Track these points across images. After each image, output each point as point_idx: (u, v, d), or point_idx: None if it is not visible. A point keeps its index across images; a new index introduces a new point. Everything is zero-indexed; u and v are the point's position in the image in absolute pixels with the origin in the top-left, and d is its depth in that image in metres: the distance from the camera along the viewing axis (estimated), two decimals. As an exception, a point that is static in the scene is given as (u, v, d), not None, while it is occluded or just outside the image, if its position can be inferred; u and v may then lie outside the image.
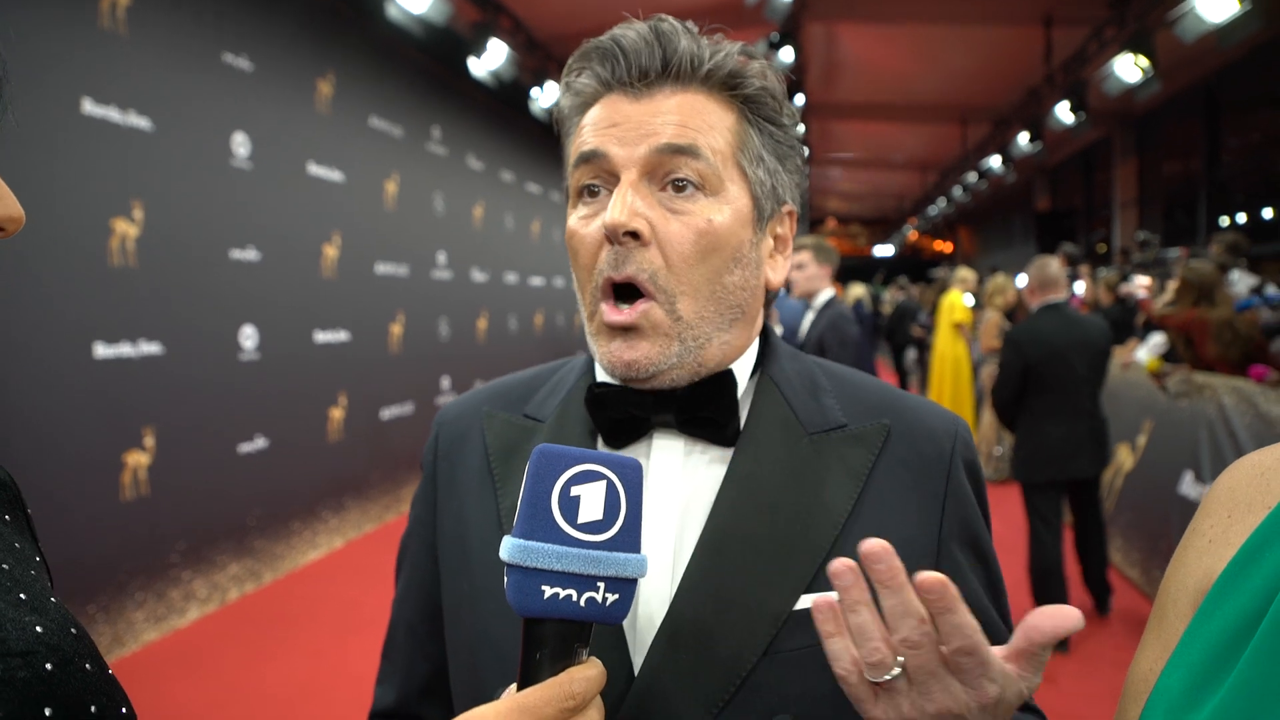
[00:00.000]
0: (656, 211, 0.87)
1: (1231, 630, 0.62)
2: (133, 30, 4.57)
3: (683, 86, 0.90)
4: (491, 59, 8.05)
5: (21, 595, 0.60)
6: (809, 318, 4.95)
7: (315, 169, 6.20)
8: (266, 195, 5.65)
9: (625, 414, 0.91)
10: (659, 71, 0.89)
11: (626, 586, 0.69)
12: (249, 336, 5.46)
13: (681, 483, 0.91)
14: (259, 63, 5.58)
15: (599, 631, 0.82)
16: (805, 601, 0.84)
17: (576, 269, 0.92)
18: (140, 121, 4.61)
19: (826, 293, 4.95)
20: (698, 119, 0.88)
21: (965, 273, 10.06)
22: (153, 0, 4.69)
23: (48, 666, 0.56)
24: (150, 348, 4.67)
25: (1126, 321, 7.62)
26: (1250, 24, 7.11)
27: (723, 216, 0.88)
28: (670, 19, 0.91)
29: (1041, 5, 10.14)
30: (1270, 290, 4.99)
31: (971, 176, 16.97)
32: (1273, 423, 4.22)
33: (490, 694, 0.84)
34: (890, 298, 18.07)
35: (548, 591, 0.67)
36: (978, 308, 9.89)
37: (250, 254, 5.47)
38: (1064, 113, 10.55)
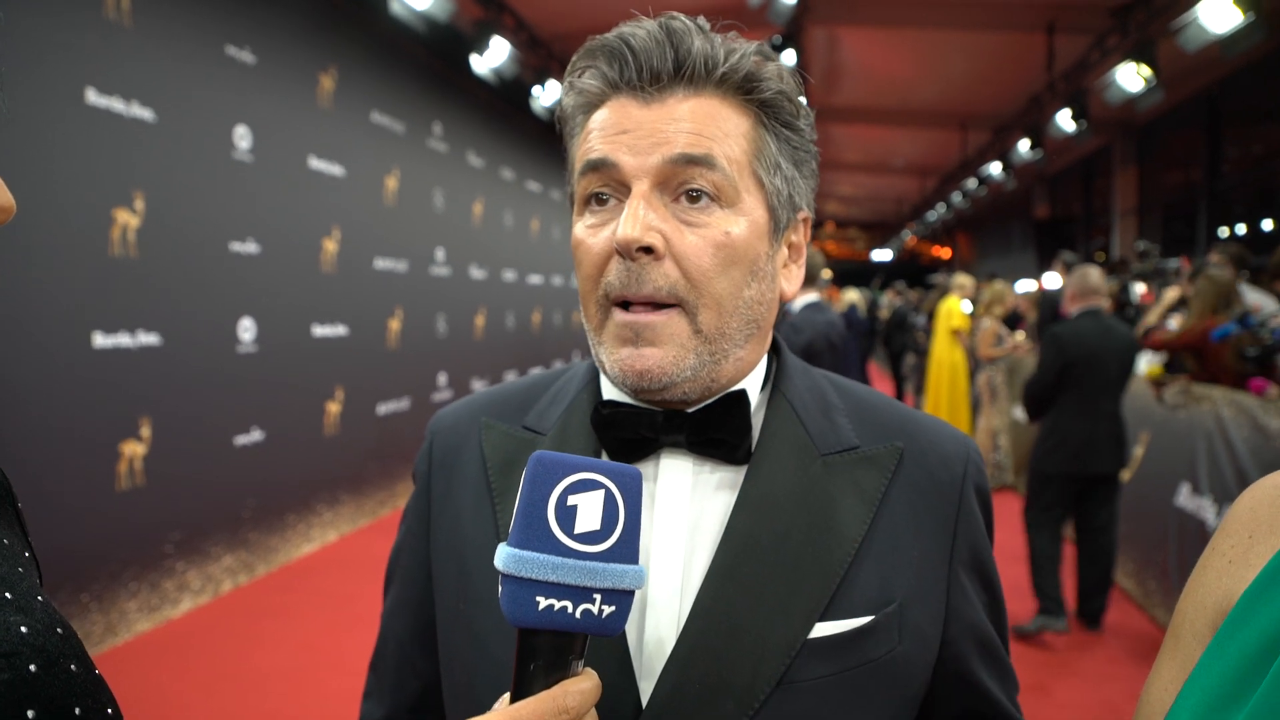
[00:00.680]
0: (670, 224, 0.83)
1: (1252, 653, 0.61)
2: (137, 21, 4.56)
3: (696, 90, 0.85)
4: (493, 56, 8.04)
5: (7, 594, 0.59)
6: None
7: (316, 163, 6.19)
8: (267, 188, 5.63)
9: (635, 434, 0.89)
10: (671, 74, 0.84)
11: (623, 598, 0.68)
12: (247, 329, 5.45)
13: (690, 504, 0.88)
14: (262, 56, 5.57)
15: (605, 658, 0.81)
16: (820, 630, 0.83)
17: (582, 278, 0.88)
18: (143, 112, 4.60)
19: (807, 297, 4.94)
20: (712, 126, 0.84)
21: (963, 279, 10.07)
22: (157, -10, 4.68)
23: (31, 668, 0.55)
24: (149, 338, 4.66)
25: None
26: (1253, 35, 7.11)
27: (739, 229, 0.84)
28: (682, 16, 0.87)
29: (1044, 13, 10.15)
30: (1250, 316, 4.96)
31: (971, 183, 16.98)
32: (1271, 436, 4.23)
33: (486, 709, 0.84)
34: (888, 303, 18.09)
35: (542, 603, 0.65)
36: (974, 315, 9.90)
37: (250, 246, 5.46)
38: (1065, 120, 10.55)
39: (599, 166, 0.85)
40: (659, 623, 0.85)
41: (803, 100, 0.92)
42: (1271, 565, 0.65)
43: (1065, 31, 10.32)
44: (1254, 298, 5.63)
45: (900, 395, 13.55)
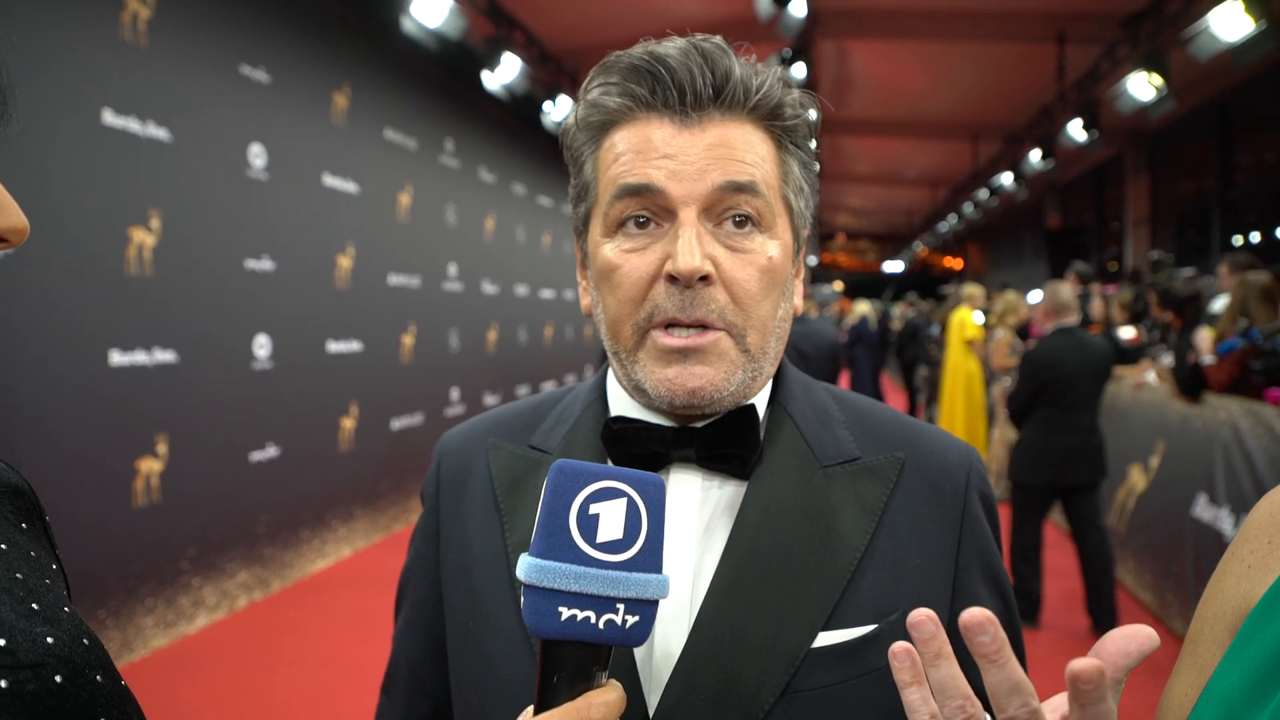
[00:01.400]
0: (719, 250, 0.84)
1: (1272, 656, 0.61)
2: (153, 42, 4.62)
3: (732, 115, 0.86)
4: (505, 73, 8.09)
5: (34, 605, 0.60)
6: None
7: (330, 180, 6.24)
8: (282, 206, 5.68)
9: (645, 449, 0.89)
10: (711, 97, 0.84)
11: (647, 608, 0.67)
12: (262, 345, 5.49)
13: (699, 517, 0.89)
14: (276, 75, 5.63)
15: (613, 670, 0.81)
16: (824, 639, 0.83)
17: (618, 301, 0.87)
18: (159, 132, 4.65)
19: None
20: (751, 152, 0.85)
21: (972, 289, 10.04)
22: (173, 13, 4.74)
23: (57, 679, 0.56)
24: (165, 355, 4.70)
25: (1126, 348, 7.59)
26: (1265, 43, 7.09)
27: (777, 253, 0.87)
28: (711, 38, 0.87)
29: (1055, 23, 10.15)
30: (1255, 329, 4.89)
31: (982, 193, 16.94)
32: (1287, 444, 4.20)
33: None
34: (900, 314, 18.03)
35: (565, 613, 0.65)
36: (987, 325, 9.86)
37: (265, 264, 5.50)
38: (1076, 130, 10.53)
39: (640, 191, 0.84)
40: (667, 634, 0.85)
41: (811, 115, 0.93)
42: None
43: (1076, 41, 10.31)
44: None
45: (913, 406, 13.49)
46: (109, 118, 4.35)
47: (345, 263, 6.39)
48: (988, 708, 0.64)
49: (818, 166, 0.96)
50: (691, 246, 0.81)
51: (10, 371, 3.89)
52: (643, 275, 0.85)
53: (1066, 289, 5.15)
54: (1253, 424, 4.55)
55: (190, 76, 4.91)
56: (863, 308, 13.35)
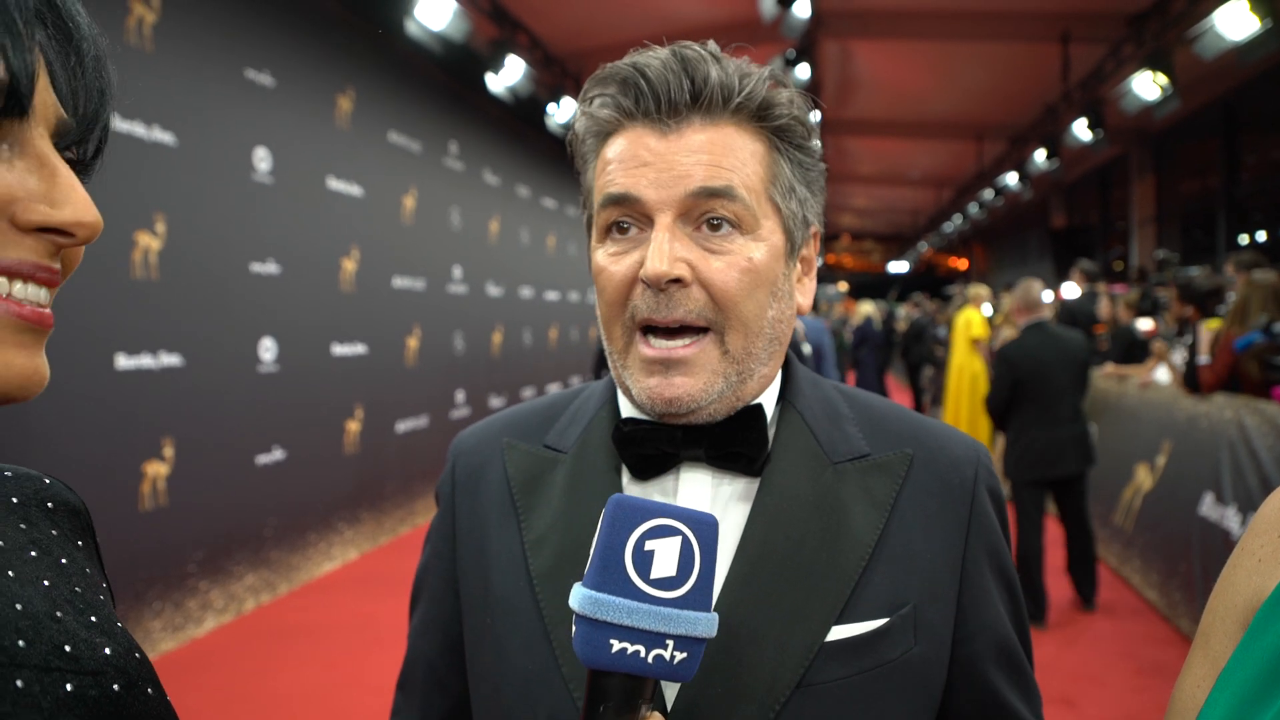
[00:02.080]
0: (695, 252, 0.86)
1: None
2: (159, 46, 4.64)
3: (712, 119, 0.87)
4: (509, 75, 8.11)
5: (92, 618, 0.62)
6: None
7: (335, 183, 6.25)
8: (286, 209, 5.70)
9: (655, 450, 0.91)
10: (688, 104, 0.86)
11: (695, 645, 0.69)
12: (268, 349, 5.50)
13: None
14: (281, 79, 5.64)
15: None
16: (836, 633, 0.84)
17: (605, 304, 0.90)
18: (164, 136, 4.67)
19: None
20: (730, 157, 0.86)
21: (977, 289, 10.02)
22: (178, 17, 4.75)
23: (115, 687, 0.58)
24: (171, 359, 4.71)
25: (1139, 345, 7.57)
26: (1270, 42, 7.07)
27: (760, 254, 0.87)
28: (695, 45, 0.88)
29: (1059, 23, 10.14)
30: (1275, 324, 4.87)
31: (987, 193, 16.93)
32: (1294, 443, 4.19)
33: None
34: (905, 314, 18.01)
35: (615, 645, 0.67)
36: (993, 324, 9.84)
37: (270, 267, 5.52)
38: (1081, 130, 10.52)
39: (621, 200, 0.87)
40: None
41: (817, 116, 0.93)
42: None
43: (1080, 41, 10.30)
44: None
45: (919, 406, 13.48)
46: (115, 121, 4.36)
47: (350, 266, 6.40)
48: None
49: (823, 165, 0.96)
50: (659, 252, 0.83)
51: (17, 375, 3.90)
52: (625, 279, 0.88)
53: (1036, 285, 5.37)
54: (1259, 423, 4.54)
55: (195, 81, 4.93)
56: (867, 308, 13.35)
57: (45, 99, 0.57)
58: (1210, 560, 4.77)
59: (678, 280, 0.84)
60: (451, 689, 1.02)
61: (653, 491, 0.92)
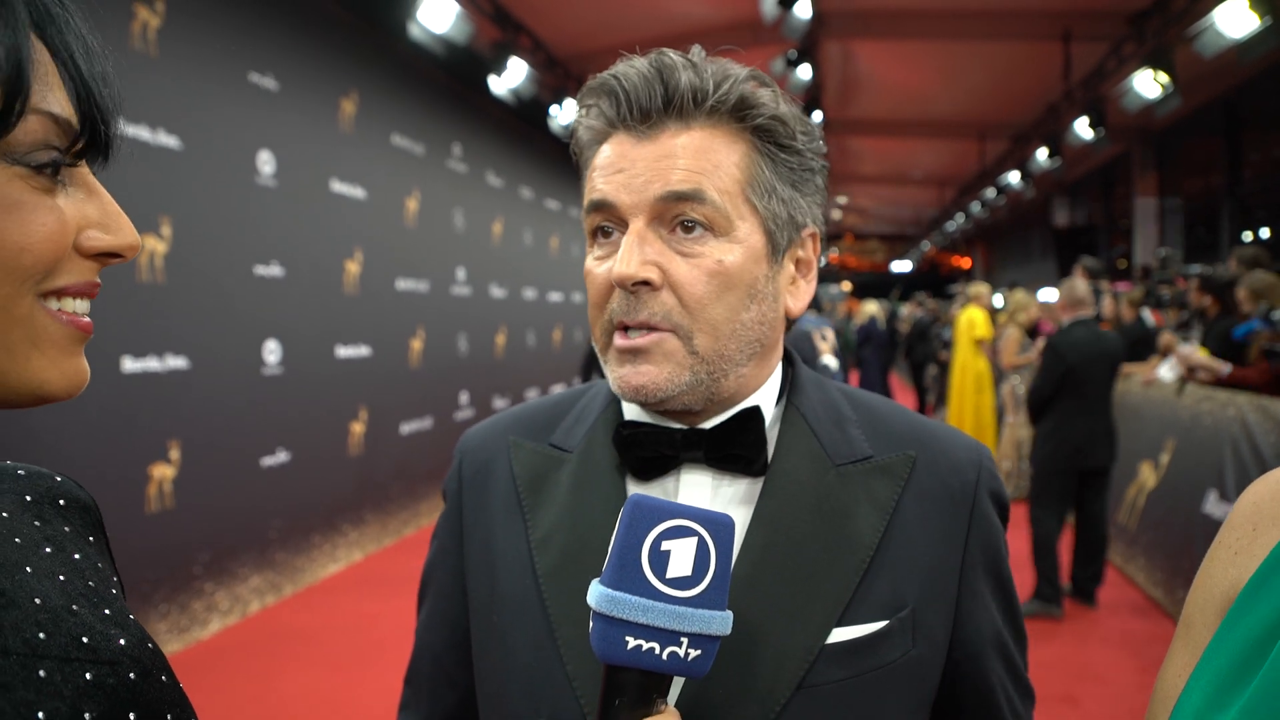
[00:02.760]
0: (666, 255, 0.87)
1: (1255, 638, 0.64)
2: (163, 51, 4.66)
3: (687, 123, 0.88)
4: (511, 77, 8.12)
5: (106, 611, 0.65)
6: None
7: (338, 186, 6.27)
8: (290, 212, 5.72)
9: (655, 452, 0.92)
10: (661, 110, 0.88)
11: (710, 643, 0.71)
12: (272, 351, 5.52)
13: None
14: (284, 82, 5.66)
15: None
16: (837, 635, 0.85)
17: (590, 306, 0.93)
18: (169, 140, 4.69)
19: None
20: (703, 160, 0.87)
21: (978, 288, 10.03)
22: (182, 21, 4.77)
23: (131, 676, 0.61)
24: (176, 362, 4.73)
25: (1147, 339, 7.56)
26: (1270, 40, 7.06)
27: (733, 256, 0.87)
28: (671, 53, 0.89)
29: (1060, 22, 10.13)
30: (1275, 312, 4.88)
31: (990, 192, 16.92)
32: (1297, 440, 4.19)
33: (519, 716, 0.88)
34: (908, 314, 18.01)
35: (631, 642, 0.69)
36: (997, 323, 9.84)
37: (274, 270, 5.54)
38: (1083, 129, 10.50)
39: (600, 206, 0.89)
40: None
41: (818, 116, 0.94)
42: (1273, 555, 0.68)
43: (1082, 40, 10.29)
44: None
45: (922, 406, 13.48)
46: (120, 126, 4.38)
47: (354, 268, 6.42)
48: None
49: (821, 161, 0.96)
50: (626, 256, 0.86)
51: (24, 379, 3.92)
52: (606, 281, 0.90)
53: (1082, 284, 5.53)
54: (1262, 419, 4.54)
55: (199, 84, 4.95)
56: (871, 308, 13.34)
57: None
58: (1214, 558, 4.77)
59: (646, 283, 0.86)
60: (458, 683, 1.03)
61: (654, 492, 0.93)
